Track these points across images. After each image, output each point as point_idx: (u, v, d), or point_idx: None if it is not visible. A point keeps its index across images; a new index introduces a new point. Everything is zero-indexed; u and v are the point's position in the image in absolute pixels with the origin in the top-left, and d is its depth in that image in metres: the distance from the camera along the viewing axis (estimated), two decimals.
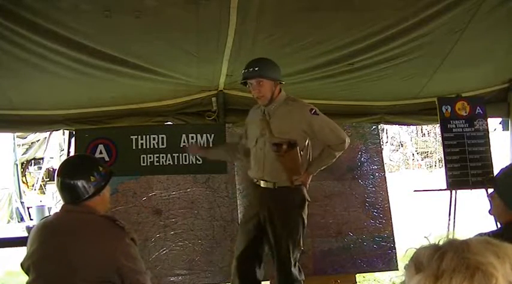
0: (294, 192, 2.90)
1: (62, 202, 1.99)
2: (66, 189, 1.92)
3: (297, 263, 2.96)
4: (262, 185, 2.94)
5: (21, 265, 1.91)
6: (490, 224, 2.44)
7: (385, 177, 3.95)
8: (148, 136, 3.73)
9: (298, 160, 2.86)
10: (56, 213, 2.01)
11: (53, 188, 8.98)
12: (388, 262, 3.77)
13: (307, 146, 2.95)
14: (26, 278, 1.90)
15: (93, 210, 1.93)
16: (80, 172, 1.93)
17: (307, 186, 2.99)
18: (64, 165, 2.04)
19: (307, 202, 2.95)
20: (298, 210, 2.91)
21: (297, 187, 2.91)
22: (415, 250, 0.86)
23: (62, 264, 1.80)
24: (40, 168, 11.00)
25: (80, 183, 1.90)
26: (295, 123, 2.86)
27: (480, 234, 1.62)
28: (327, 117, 2.96)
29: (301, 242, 2.95)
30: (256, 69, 2.80)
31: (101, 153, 3.66)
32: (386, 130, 14.63)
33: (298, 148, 2.83)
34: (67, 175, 1.94)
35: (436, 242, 0.84)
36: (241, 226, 3.14)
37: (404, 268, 0.85)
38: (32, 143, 10.97)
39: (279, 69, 2.89)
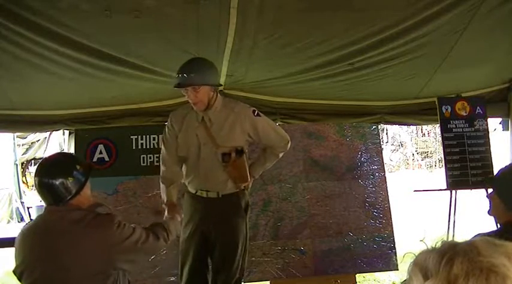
0: (240, 196, 2.74)
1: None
2: (45, 190, 1.89)
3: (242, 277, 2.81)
4: (204, 195, 2.73)
5: (14, 272, 1.90)
6: (490, 224, 2.44)
7: (385, 177, 3.95)
8: (148, 136, 3.74)
9: (246, 167, 2.68)
10: (40, 215, 1.99)
11: None
12: (388, 262, 3.77)
13: (247, 150, 2.80)
14: None
15: (77, 207, 1.92)
16: (58, 172, 1.90)
17: (249, 189, 2.87)
18: (42, 165, 2.00)
19: (250, 208, 2.83)
20: (244, 216, 2.75)
21: (241, 192, 2.75)
22: (413, 255, 0.84)
23: (55, 265, 1.81)
24: None
25: (59, 183, 1.87)
26: (240, 128, 2.67)
27: (479, 234, 1.62)
28: (268, 118, 2.83)
29: (246, 253, 2.78)
30: (192, 75, 2.54)
31: (100, 153, 3.67)
32: (387, 130, 14.61)
33: (245, 154, 2.68)
34: (45, 175, 1.91)
35: (435, 246, 0.83)
36: (186, 242, 2.80)
37: (409, 273, 0.84)
38: (32, 143, 10.95)
39: (217, 70, 2.73)
